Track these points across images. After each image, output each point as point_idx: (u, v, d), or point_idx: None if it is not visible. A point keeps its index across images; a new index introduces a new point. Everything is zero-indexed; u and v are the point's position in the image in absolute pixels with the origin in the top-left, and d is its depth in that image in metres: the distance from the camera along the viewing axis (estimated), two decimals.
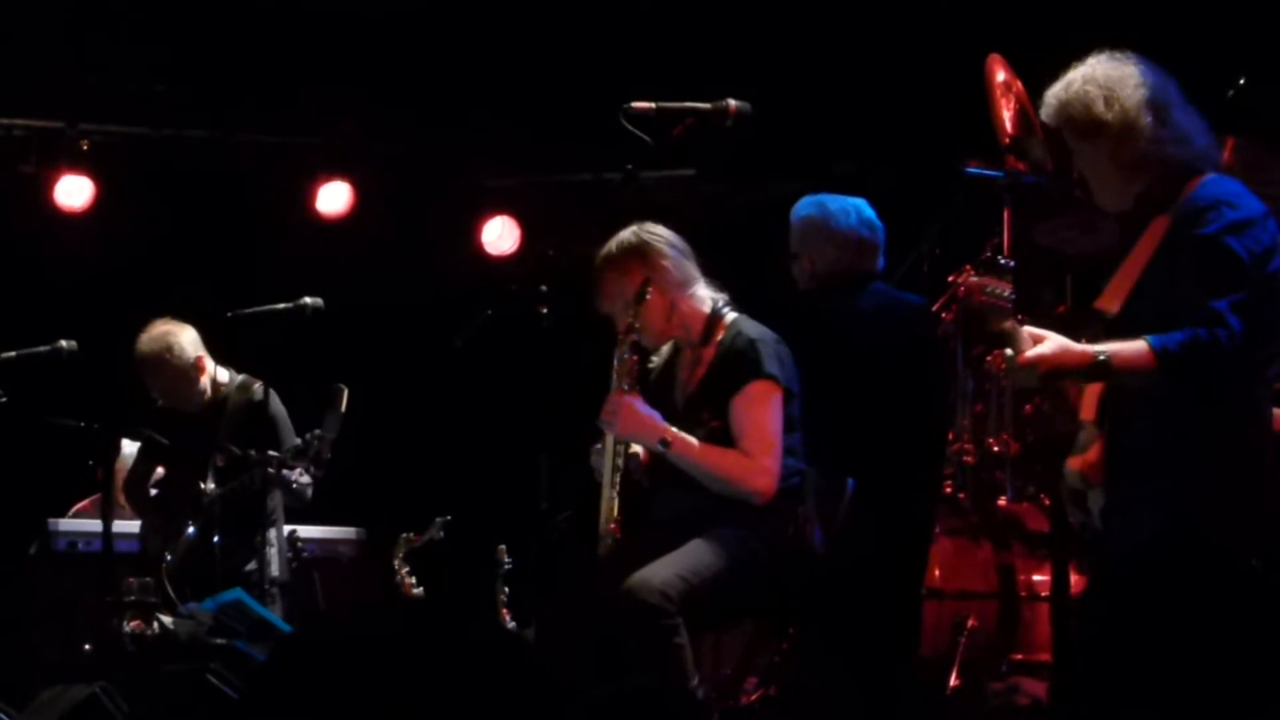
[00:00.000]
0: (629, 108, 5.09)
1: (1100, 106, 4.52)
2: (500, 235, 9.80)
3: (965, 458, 6.68)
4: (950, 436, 6.71)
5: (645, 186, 5.41)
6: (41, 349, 7.16)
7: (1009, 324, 4.40)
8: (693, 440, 5.41)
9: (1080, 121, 4.55)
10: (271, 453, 6.85)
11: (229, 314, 6.97)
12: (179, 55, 8.53)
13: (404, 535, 7.21)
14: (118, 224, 9.23)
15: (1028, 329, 4.41)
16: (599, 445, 5.61)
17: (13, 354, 7.12)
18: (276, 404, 7.20)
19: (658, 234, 5.59)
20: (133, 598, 6.25)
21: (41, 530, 7.89)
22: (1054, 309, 6.85)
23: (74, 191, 9.12)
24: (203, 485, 7.13)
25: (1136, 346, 4.30)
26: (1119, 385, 4.40)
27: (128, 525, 7.55)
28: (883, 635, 6.01)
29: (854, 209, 6.27)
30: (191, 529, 7.10)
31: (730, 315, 5.59)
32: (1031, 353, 4.36)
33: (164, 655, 5.91)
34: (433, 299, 9.24)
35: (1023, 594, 6.37)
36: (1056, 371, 4.39)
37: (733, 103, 5.22)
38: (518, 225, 9.78)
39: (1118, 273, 4.54)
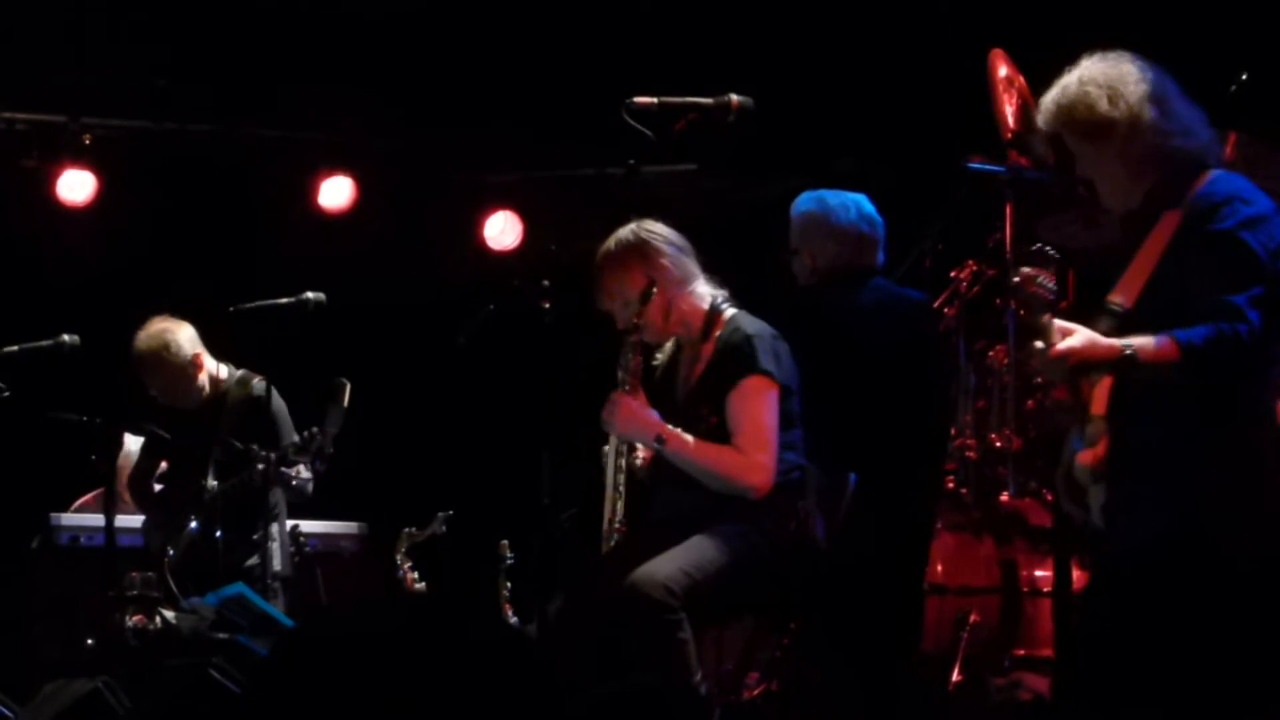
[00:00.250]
0: (631, 103, 5.09)
1: (1105, 105, 4.51)
2: (502, 230, 9.80)
3: (968, 453, 6.69)
4: (953, 432, 6.72)
5: (647, 181, 5.40)
6: (44, 343, 7.16)
7: (1046, 317, 4.40)
8: (688, 437, 5.43)
9: (1085, 122, 4.54)
10: (270, 453, 6.85)
11: (231, 308, 6.97)
12: (181, 50, 8.52)
13: (406, 530, 7.22)
14: (120, 219, 9.22)
15: (1058, 322, 4.41)
16: (606, 447, 5.65)
17: (15, 348, 7.12)
18: (276, 400, 7.20)
19: (657, 232, 5.60)
20: (135, 592, 6.27)
21: (44, 525, 7.90)
22: (1057, 304, 6.85)
23: (76, 186, 9.11)
24: (204, 481, 7.14)
25: (1161, 341, 4.31)
26: (1134, 380, 4.40)
27: (130, 520, 7.55)
28: (884, 631, 6.00)
29: (854, 204, 6.26)
30: (194, 524, 7.10)
31: (729, 311, 5.60)
32: (1062, 345, 4.36)
33: (166, 650, 5.91)
34: (434, 294, 9.24)
35: (1025, 589, 6.38)
36: (1085, 364, 4.39)
37: (735, 98, 5.21)
38: (520, 220, 9.78)
39: (1129, 267, 4.54)
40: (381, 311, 9.38)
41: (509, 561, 7.03)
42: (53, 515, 7.93)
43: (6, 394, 7.06)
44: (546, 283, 5.42)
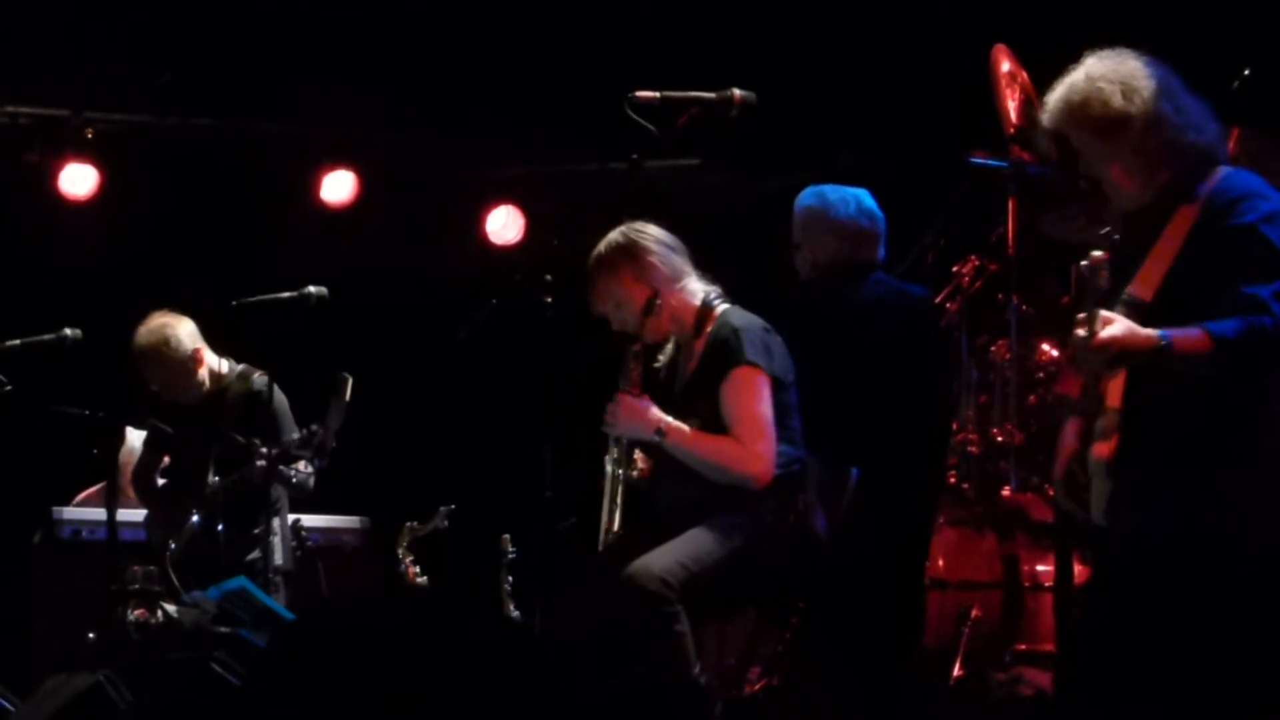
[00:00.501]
0: (634, 97, 5.09)
1: (1120, 100, 4.52)
2: (505, 225, 9.79)
3: (970, 448, 6.69)
4: (955, 427, 6.72)
5: (650, 176, 5.40)
6: (46, 337, 7.16)
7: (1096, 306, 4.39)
8: (687, 429, 5.46)
9: (1100, 118, 4.54)
10: (272, 448, 6.85)
11: (233, 303, 6.96)
12: (184, 44, 8.52)
13: (408, 524, 7.22)
14: (122, 212, 9.22)
15: (1100, 311, 4.40)
16: (607, 456, 5.68)
17: (17, 342, 7.12)
18: (278, 395, 7.19)
19: (645, 232, 5.66)
20: (137, 586, 6.27)
21: (46, 518, 7.90)
22: (1058, 300, 6.86)
23: (79, 180, 9.12)
24: (206, 476, 7.13)
25: (1193, 333, 4.33)
26: (1150, 373, 4.39)
27: (132, 514, 7.55)
28: (885, 627, 6.01)
29: (854, 199, 6.26)
30: (195, 518, 7.10)
31: (721, 307, 5.63)
32: (1105, 334, 4.35)
33: (168, 644, 5.91)
34: (437, 288, 9.25)
35: (1026, 584, 6.38)
36: (1124, 353, 4.39)
37: (738, 92, 5.21)
38: (522, 215, 9.78)
39: (1146, 261, 4.53)
40: (384, 306, 9.39)
41: (510, 556, 7.02)
42: (55, 509, 7.94)
43: (8, 388, 7.06)
44: (549, 278, 5.42)
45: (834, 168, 7.33)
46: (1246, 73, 6.09)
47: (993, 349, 6.78)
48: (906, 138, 8.25)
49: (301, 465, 6.97)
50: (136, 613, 6.20)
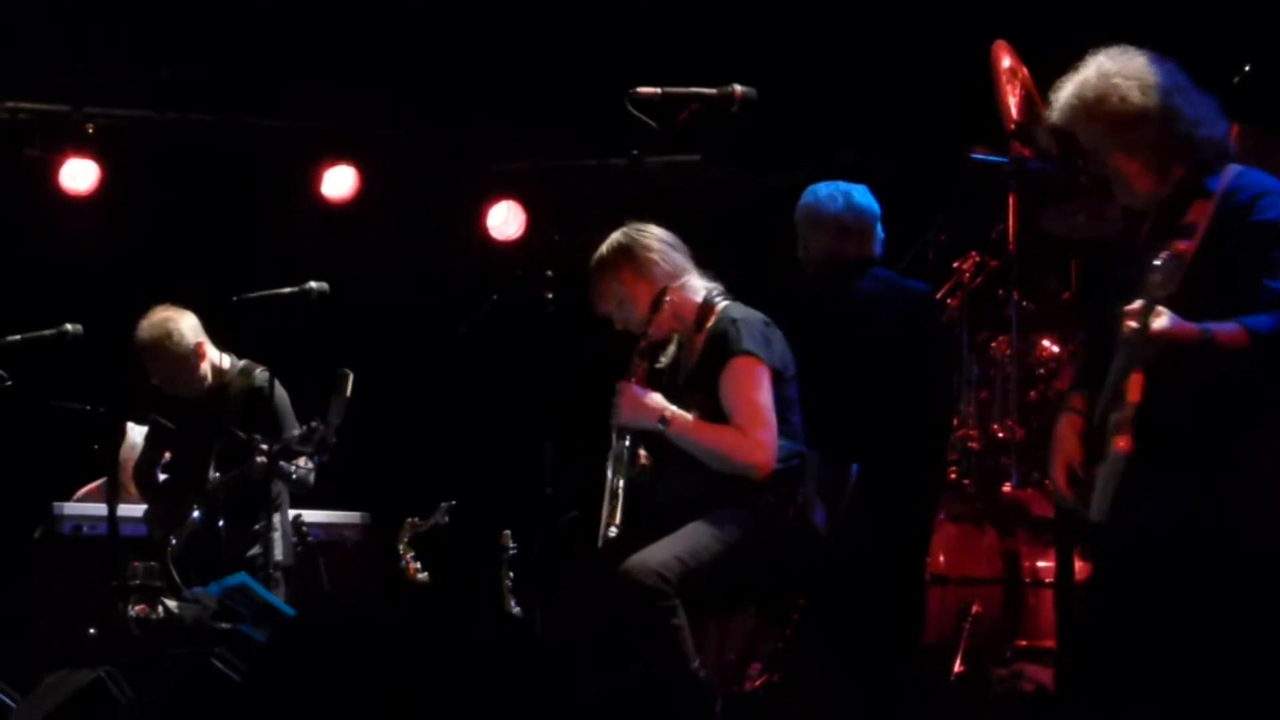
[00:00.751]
0: (634, 93, 5.09)
1: (1138, 95, 4.53)
2: (505, 220, 9.80)
3: (970, 444, 6.69)
4: (955, 422, 6.72)
5: (650, 172, 5.41)
6: (47, 332, 7.15)
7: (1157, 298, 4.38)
8: (690, 417, 5.47)
9: (1118, 114, 4.54)
10: (273, 444, 6.84)
11: (234, 298, 6.96)
12: (185, 39, 8.52)
13: (409, 520, 7.23)
14: (123, 208, 9.23)
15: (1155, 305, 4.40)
16: (610, 454, 5.68)
17: (18, 337, 7.11)
18: (279, 391, 7.19)
19: (645, 230, 5.69)
20: (138, 582, 6.26)
21: (47, 514, 7.90)
22: (1059, 295, 6.86)
23: (79, 175, 9.12)
24: (207, 471, 7.13)
25: (1231, 327, 4.34)
26: (1194, 368, 4.39)
27: (133, 509, 7.55)
28: (886, 624, 6.01)
29: (843, 194, 6.26)
30: (196, 514, 7.10)
31: (722, 303, 5.64)
32: (1158, 325, 4.34)
33: (169, 639, 5.91)
34: (437, 284, 9.25)
35: (1027, 580, 6.38)
36: (1173, 346, 4.38)
37: (738, 88, 5.21)
38: (523, 210, 9.78)
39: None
40: (384, 301, 9.38)
41: (511, 552, 7.03)
42: (55, 505, 7.93)
43: (9, 383, 7.06)
44: (549, 273, 5.42)
45: (835, 164, 7.31)
46: (1246, 69, 6.09)
47: (993, 345, 6.78)
48: (907, 134, 8.25)
49: (302, 461, 6.97)
50: (137, 608, 6.19)
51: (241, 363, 7.52)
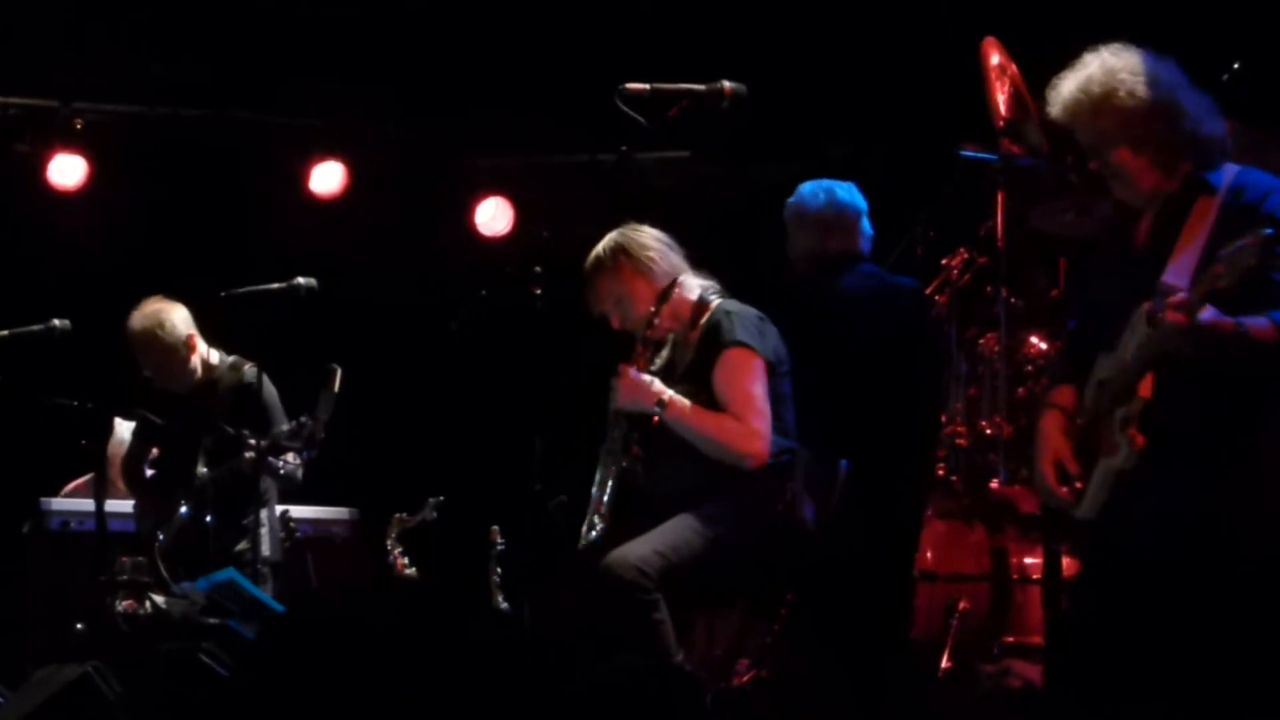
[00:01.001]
0: (624, 89, 5.09)
1: (1145, 91, 4.54)
2: (494, 216, 9.79)
3: (958, 440, 6.70)
4: (943, 419, 6.72)
5: (640, 168, 5.42)
6: (35, 328, 7.14)
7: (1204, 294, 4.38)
8: (686, 403, 5.47)
9: (1127, 109, 4.54)
10: (261, 440, 6.84)
11: (222, 293, 6.96)
12: (174, 34, 8.50)
13: (397, 516, 7.21)
14: (111, 203, 9.21)
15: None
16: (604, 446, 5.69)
17: (6, 333, 7.10)
18: (267, 386, 7.19)
19: (641, 230, 5.72)
20: (126, 577, 6.26)
21: (35, 509, 7.89)
22: (1048, 292, 6.86)
23: (68, 170, 9.10)
24: (195, 467, 7.13)
25: (1260, 321, 4.35)
26: (1233, 360, 4.39)
27: (121, 505, 7.55)
28: (874, 620, 6.01)
29: (825, 191, 6.28)
30: (184, 509, 7.09)
31: (716, 301, 5.65)
32: (1205, 316, 4.33)
33: (157, 635, 5.91)
34: (426, 279, 9.24)
35: (1015, 576, 6.39)
36: (1213, 336, 4.37)
37: (728, 84, 5.21)
38: (511, 206, 9.77)
39: (1175, 251, 4.53)
40: (373, 297, 9.37)
41: (500, 548, 7.02)
42: (43, 500, 7.92)
43: None
44: (538, 269, 5.42)
45: (824, 160, 7.32)
46: (1236, 66, 6.09)
47: (981, 341, 6.79)
48: (897, 130, 8.25)
49: (290, 456, 6.97)
50: (125, 604, 6.19)
51: (231, 359, 7.52)
